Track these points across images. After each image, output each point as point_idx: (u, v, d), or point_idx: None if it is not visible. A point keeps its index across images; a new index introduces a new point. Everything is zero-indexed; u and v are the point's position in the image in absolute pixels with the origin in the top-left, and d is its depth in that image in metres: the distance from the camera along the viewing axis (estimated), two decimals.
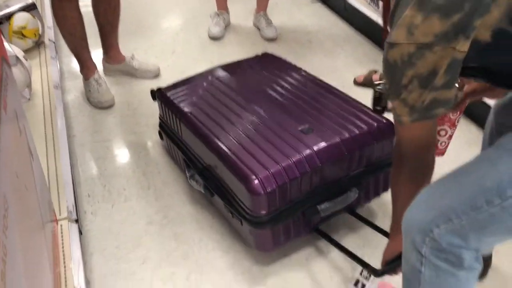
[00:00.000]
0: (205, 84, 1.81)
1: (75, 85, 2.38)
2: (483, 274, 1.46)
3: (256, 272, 1.50)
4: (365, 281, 1.41)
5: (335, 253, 1.53)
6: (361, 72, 2.35)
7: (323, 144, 1.42)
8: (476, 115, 1.94)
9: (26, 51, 2.15)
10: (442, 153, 1.34)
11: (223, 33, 2.82)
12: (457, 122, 1.33)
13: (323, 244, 1.57)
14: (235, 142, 1.48)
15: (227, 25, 2.90)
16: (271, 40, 2.75)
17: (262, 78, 1.81)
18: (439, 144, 1.33)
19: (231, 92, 1.73)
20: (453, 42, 0.85)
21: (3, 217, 0.72)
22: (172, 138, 1.81)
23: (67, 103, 2.27)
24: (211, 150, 1.51)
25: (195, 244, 1.60)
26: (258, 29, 2.85)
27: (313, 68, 1.93)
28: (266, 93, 1.71)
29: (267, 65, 1.91)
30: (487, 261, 1.44)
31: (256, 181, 1.34)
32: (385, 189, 1.61)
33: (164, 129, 1.87)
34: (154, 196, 1.78)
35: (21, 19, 2.15)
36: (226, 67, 1.91)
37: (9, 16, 2.12)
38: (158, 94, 1.83)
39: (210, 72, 1.89)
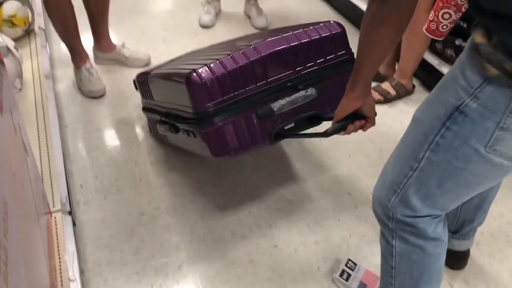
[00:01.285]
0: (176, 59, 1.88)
1: (66, 73, 2.39)
2: (462, 263, 1.52)
3: (246, 262, 1.55)
4: (350, 271, 1.47)
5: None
6: None
7: (263, 40, 1.43)
8: None
9: (16, 40, 2.14)
10: (442, 36, 1.31)
11: (214, 21, 2.84)
12: (464, 8, 1.31)
13: None
14: (185, 64, 1.53)
15: (218, 13, 2.91)
16: (261, 29, 2.76)
17: (235, 42, 1.81)
18: (440, 27, 1.31)
19: (204, 50, 1.80)
20: None
21: (3, 220, 0.75)
22: (150, 112, 1.84)
23: (58, 92, 2.28)
24: (160, 77, 1.59)
25: (187, 234, 1.64)
26: (249, 17, 2.87)
27: None
28: (230, 44, 1.75)
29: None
30: (465, 251, 1.50)
31: (193, 74, 1.33)
32: None
33: (146, 110, 1.90)
34: (146, 187, 1.81)
35: (10, 8, 2.14)
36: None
37: None
38: (137, 80, 1.87)
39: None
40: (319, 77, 1.50)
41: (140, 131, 2.07)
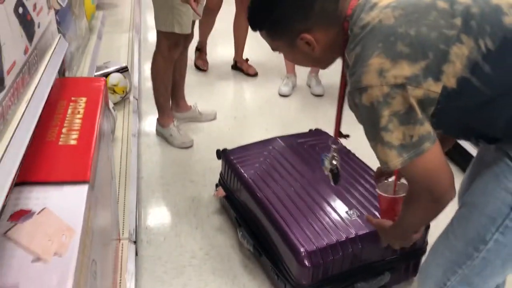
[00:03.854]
0: (265, 153, 2.09)
1: (147, 139, 2.80)
2: None
3: None
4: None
5: None
6: None
7: (365, 231, 1.63)
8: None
9: (115, 104, 2.60)
10: None
11: (291, 92, 3.41)
12: None
13: None
14: (289, 214, 1.70)
15: (294, 86, 3.47)
16: (318, 96, 3.34)
17: (315, 155, 2.04)
18: None
19: (288, 165, 1.99)
20: (425, 84, 0.95)
21: (86, 221, 1.03)
22: (228, 195, 2.06)
23: (140, 151, 2.66)
24: (266, 217, 1.74)
25: (230, 280, 1.83)
26: (309, 86, 3.45)
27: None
28: (319, 171, 1.89)
29: (319, 143, 2.16)
30: None
31: (304, 254, 1.55)
32: (413, 275, 1.77)
33: (222, 186, 2.14)
34: (200, 235, 2.06)
35: (114, 78, 2.62)
36: (284, 140, 2.19)
37: (106, 75, 2.59)
38: (222, 155, 2.13)
39: (270, 142, 2.18)
40: (397, 263, 1.69)
41: (202, 190, 2.35)
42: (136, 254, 1.81)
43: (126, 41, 3.82)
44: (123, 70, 2.69)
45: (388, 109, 0.95)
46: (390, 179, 1.35)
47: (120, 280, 1.58)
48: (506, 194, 1.02)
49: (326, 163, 1.46)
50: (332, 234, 1.61)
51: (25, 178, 0.93)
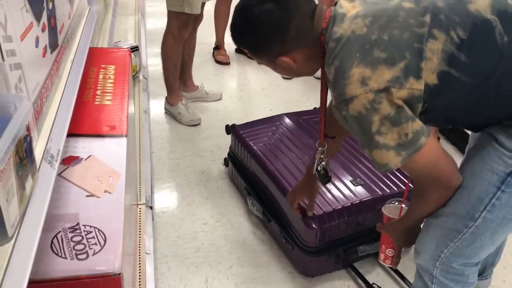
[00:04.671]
0: (273, 128, 2.21)
1: (156, 118, 2.89)
2: None
3: (286, 273, 1.82)
4: None
5: None
6: None
7: (368, 197, 1.75)
8: None
9: None
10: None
11: None
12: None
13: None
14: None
15: None
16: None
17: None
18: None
19: (295, 139, 2.11)
20: (407, 83, 0.97)
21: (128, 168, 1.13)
22: (237, 167, 2.19)
23: (150, 128, 2.76)
24: (276, 186, 1.85)
25: (240, 244, 1.95)
26: None
27: None
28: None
29: None
30: None
31: (312, 217, 1.67)
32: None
33: (232, 159, 2.26)
34: (211, 205, 2.17)
35: None
36: (290, 116, 2.30)
37: None
38: (232, 130, 2.24)
39: (277, 118, 2.30)
40: None
41: (211, 164, 2.46)
42: (153, 219, 1.92)
43: (132, 24, 3.90)
44: (134, 49, 2.78)
45: (377, 114, 0.98)
46: (396, 203, 1.42)
47: (140, 240, 1.69)
48: (492, 175, 1.07)
49: (315, 164, 1.46)
50: (338, 200, 1.73)
51: (70, 131, 1.04)
